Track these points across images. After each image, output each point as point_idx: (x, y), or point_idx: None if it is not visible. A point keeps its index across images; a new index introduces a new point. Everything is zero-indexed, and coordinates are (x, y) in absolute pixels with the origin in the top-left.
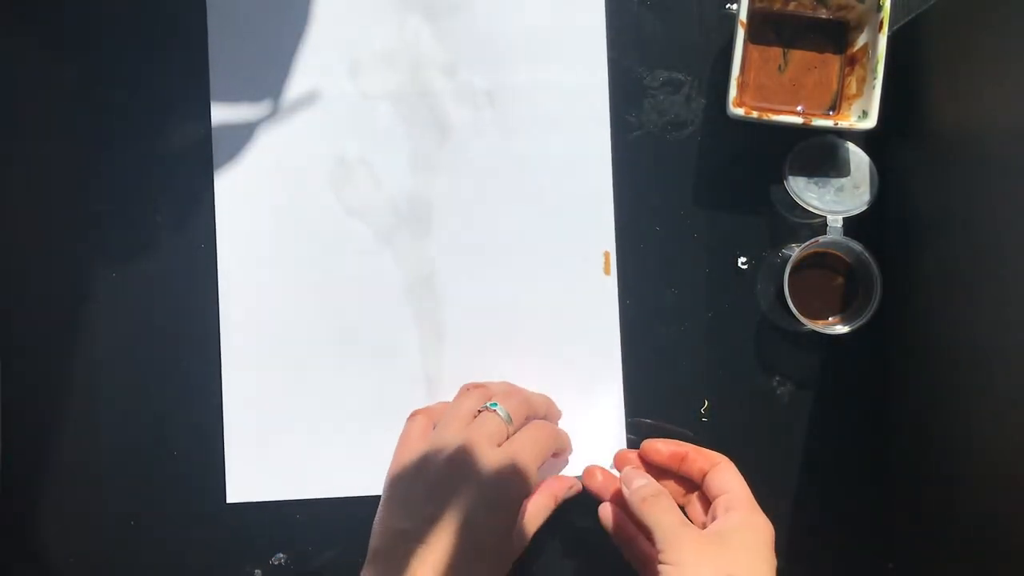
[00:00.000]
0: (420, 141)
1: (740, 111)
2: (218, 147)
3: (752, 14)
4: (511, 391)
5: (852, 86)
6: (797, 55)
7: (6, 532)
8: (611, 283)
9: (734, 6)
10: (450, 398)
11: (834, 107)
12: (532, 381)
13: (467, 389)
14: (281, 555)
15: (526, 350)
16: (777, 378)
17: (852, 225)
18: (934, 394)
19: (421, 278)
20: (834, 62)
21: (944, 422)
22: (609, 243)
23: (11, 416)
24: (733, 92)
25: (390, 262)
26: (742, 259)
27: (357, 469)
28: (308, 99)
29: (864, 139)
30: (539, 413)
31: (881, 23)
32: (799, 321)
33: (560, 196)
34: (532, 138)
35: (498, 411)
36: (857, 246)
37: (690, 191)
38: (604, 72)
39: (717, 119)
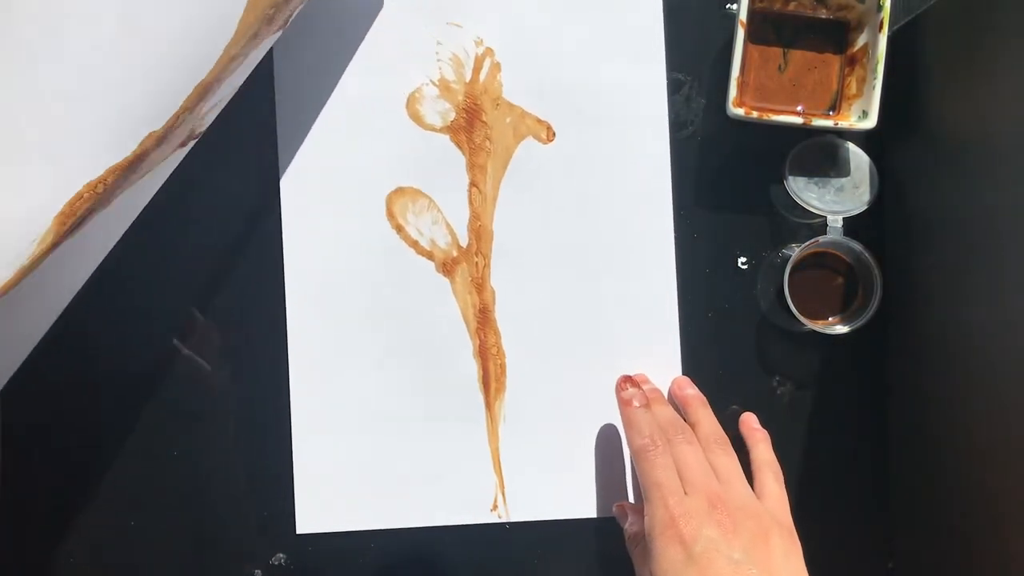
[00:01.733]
0: (479, 170)
1: (740, 111)
2: (285, 187)
3: (752, 14)
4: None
5: (852, 86)
6: (797, 55)
7: (6, 532)
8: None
9: (734, 6)
10: (515, 427)
11: (834, 107)
12: (597, 404)
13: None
14: (281, 555)
15: (589, 371)
16: (777, 378)
17: (852, 225)
18: (934, 394)
19: (482, 309)
20: (834, 62)
21: (944, 422)
22: (668, 253)
23: (11, 417)
24: (733, 92)
25: (450, 294)
26: (742, 259)
27: (423, 497)
28: (366, 134)
29: (864, 139)
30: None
31: (881, 23)
32: (799, 321)
33: (624, 218)
34: (595, 166)
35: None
36: (857, 246)
37: (690, 191)
38: (662, 70)
39: (717, 119)
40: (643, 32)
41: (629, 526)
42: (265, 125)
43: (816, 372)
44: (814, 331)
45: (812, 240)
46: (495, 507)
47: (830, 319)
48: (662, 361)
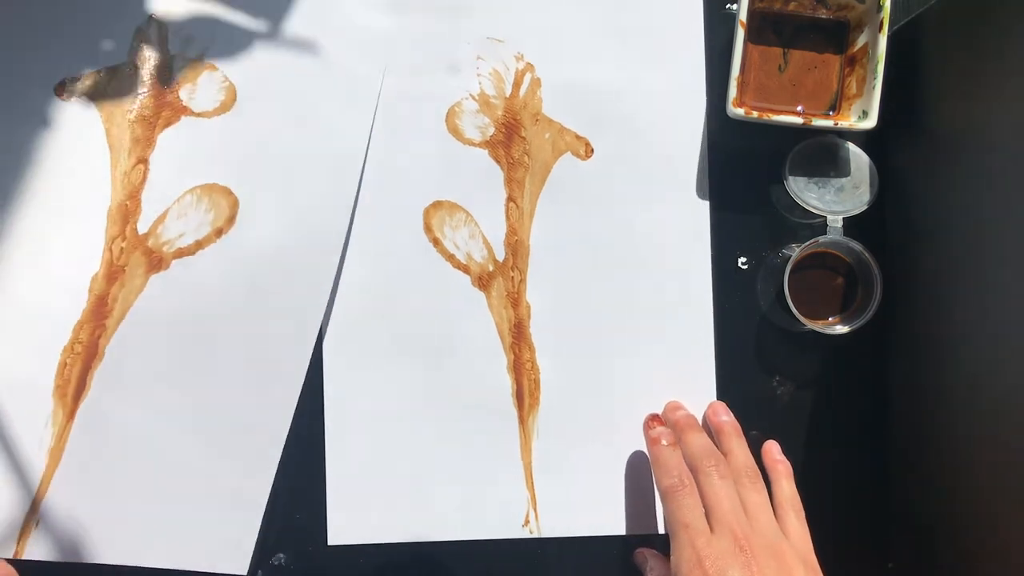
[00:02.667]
0: (517, 185)
1: (740, 111)
2: None
3: (752, 14)
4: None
5: (852, 86)
6: (797, 55)
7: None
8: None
9: (734, 6)
10: (548, 443)
11: (834, 107)
12: (630, 420)
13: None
14: (281, 555)
15: (624, 386)
16: (777, 378)
17: (852, 225)
18: (934, 394)
19: (517, 324)
20: (834, 62)
21: (944, 422)
22: (705, 270)
23: None
24: (733, 92)
25: (485, 308)
26: (742, 259)
27: (454, 511)
28: (405, 147)
29: (864, 139)
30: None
31: (881, 23)
32: (799, 321)
33: (661, 237)
34: (633, 183)
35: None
36: (857, 246)
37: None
38: (702, 74)
39: (717, 119)
40: (683, 41)
41: (648, 572)
42: None
43: (816, 372)
44: (814, 331)
45: (812, 240)
46: (527, 522)
47: (830, 319)
48: (697, 381)
